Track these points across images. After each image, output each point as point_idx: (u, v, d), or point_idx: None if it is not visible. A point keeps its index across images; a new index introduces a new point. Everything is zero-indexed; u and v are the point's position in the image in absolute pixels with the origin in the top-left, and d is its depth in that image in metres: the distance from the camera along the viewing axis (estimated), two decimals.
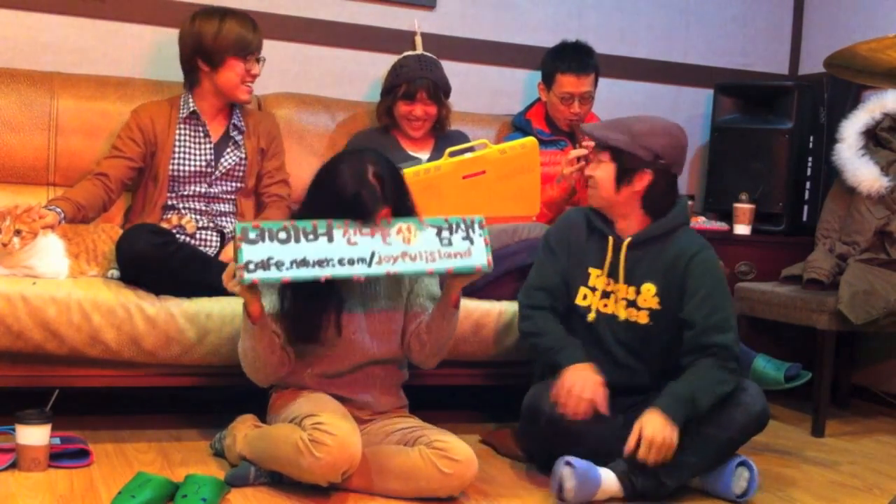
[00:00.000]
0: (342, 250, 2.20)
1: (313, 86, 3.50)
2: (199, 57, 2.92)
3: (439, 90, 3.21)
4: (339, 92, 3.51)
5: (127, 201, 3.02)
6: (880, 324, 3.24)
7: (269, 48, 3.41)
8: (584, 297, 2.58)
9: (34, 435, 2.30)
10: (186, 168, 2.91)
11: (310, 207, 2.36)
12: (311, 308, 2.35)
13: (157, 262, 2.54)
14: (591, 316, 2.57)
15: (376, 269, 2.22)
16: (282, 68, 3.47)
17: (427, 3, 3.65)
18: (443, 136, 3.29)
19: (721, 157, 3.93)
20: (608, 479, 2.40)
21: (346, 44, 3.56)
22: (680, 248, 2.53)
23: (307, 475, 2.24)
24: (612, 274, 2.56)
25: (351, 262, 2.20)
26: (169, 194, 2.90)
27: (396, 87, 3.21)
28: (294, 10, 3.49)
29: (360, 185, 2.28)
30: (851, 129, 3.52)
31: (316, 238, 2.19)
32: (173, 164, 2.89)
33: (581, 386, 2.39)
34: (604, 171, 2.52)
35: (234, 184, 2.97)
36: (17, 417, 2.31)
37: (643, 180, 2.51)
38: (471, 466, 2.31)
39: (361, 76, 3.56)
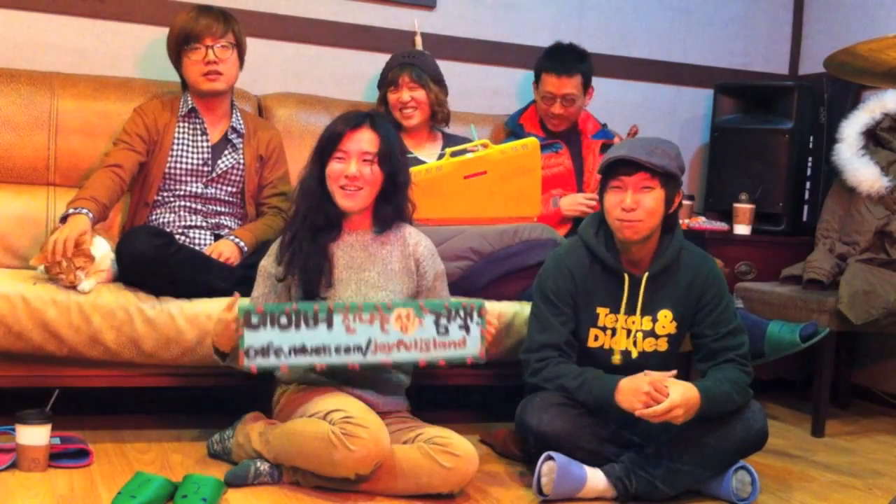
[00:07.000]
0: (340, 337, 2.27)
1: (313, 86, 3.50)
2: (171, 59, 2.95)
3: (424, 74, 3.18)
4: (339, 92, 3.51)
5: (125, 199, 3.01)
6: (880, 324, 3.24)
7: (269, 48, 3.42)
8: (596, 339, 2.56)
9: (34, 435, 2.30)
10: (182, 165, 2.89)
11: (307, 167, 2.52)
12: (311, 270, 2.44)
13: (158, 263, 2.54)
14: (617, 358, 2.54)
15: (371, 358, 2.29)
16: (282, 68, 3.47)
17: (427, 3, 3.65)
18: (450, 140, 3.27)
19: (721, 157, 3.93)
20: (595, 478, 2.39)
21: (346, 44, 3.55)
22: (693, 271, 2.55)
23: (339, 468, 2.24)
24: (630, 310, 2.53)
25: (347, 350, 2.28)
26: (163, 192, 2.88)
27: (383, 78, 3.24)
28: (294, 10, 3.49)
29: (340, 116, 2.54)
30: (851, 129, 3.52)
31: (316, 324, 2.26)
32: (170, 160, 2.88)
33: (643, 388, 2.34)
34: (654, 199, 2.44)
35: (230, 187, 2.95)
36: (17, 417, 2.31)
37: (677, 201, 2.51)
38: (472, 461, 2.31)
39: (361, 76, 3.55)
